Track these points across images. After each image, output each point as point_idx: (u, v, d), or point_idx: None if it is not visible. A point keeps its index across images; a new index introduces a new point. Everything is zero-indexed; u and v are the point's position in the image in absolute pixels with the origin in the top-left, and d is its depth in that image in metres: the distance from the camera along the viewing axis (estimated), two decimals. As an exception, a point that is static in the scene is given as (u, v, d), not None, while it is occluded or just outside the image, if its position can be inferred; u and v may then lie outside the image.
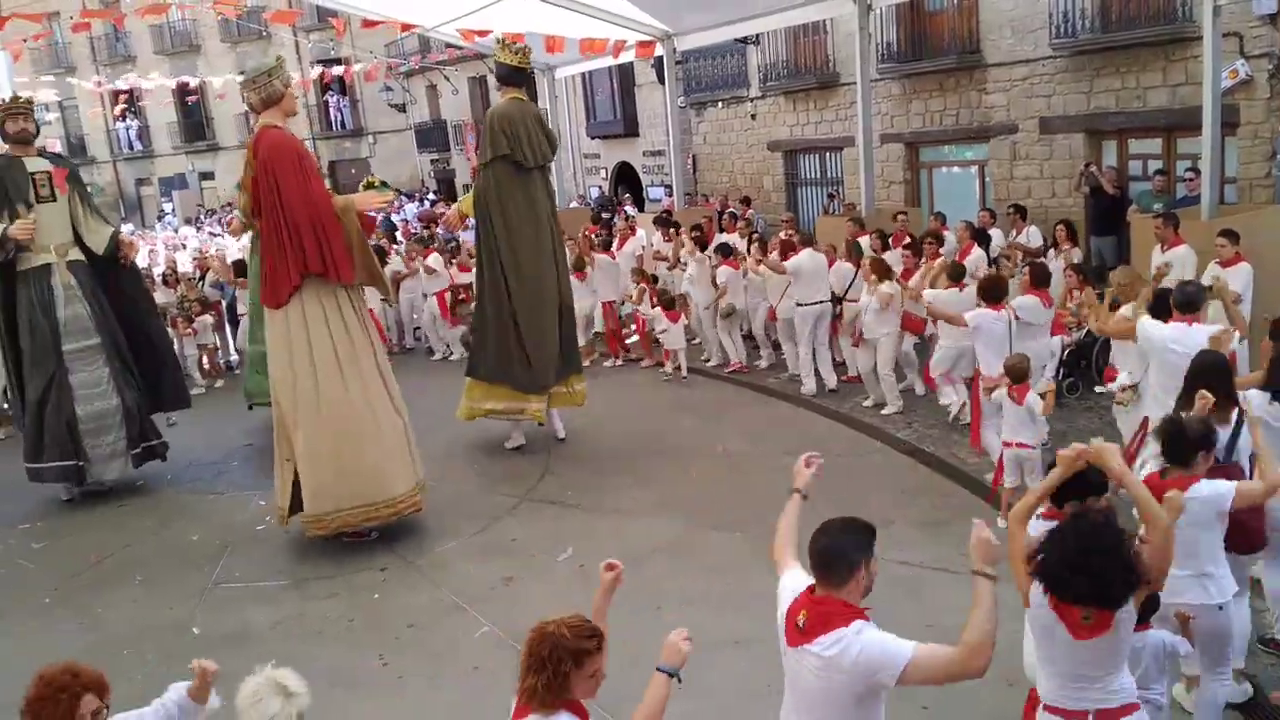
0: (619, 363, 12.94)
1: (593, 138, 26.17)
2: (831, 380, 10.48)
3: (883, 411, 9.62)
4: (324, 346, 7.24)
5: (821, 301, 10.21)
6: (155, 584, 7.30)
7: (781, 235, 11.69)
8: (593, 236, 14.07)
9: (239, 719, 3.02)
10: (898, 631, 3.07)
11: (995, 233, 11.84)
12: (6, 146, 8.82)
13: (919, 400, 9.82)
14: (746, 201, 18.20)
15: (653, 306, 12.04)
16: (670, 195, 19.62)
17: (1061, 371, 9.19)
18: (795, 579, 3.35)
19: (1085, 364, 9.47)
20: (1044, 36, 14.09)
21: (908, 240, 10.33)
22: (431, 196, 28.35)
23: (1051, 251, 10.69)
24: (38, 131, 9.05)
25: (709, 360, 12.21)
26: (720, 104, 21.41)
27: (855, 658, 2.96)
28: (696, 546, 7.12)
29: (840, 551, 3.13)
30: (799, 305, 10.25)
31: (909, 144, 17.01)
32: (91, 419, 8.82)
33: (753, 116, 20.43)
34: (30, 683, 3.07)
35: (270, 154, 7.07)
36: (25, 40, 15.06)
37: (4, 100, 8.97)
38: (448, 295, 13.73)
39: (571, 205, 21.13)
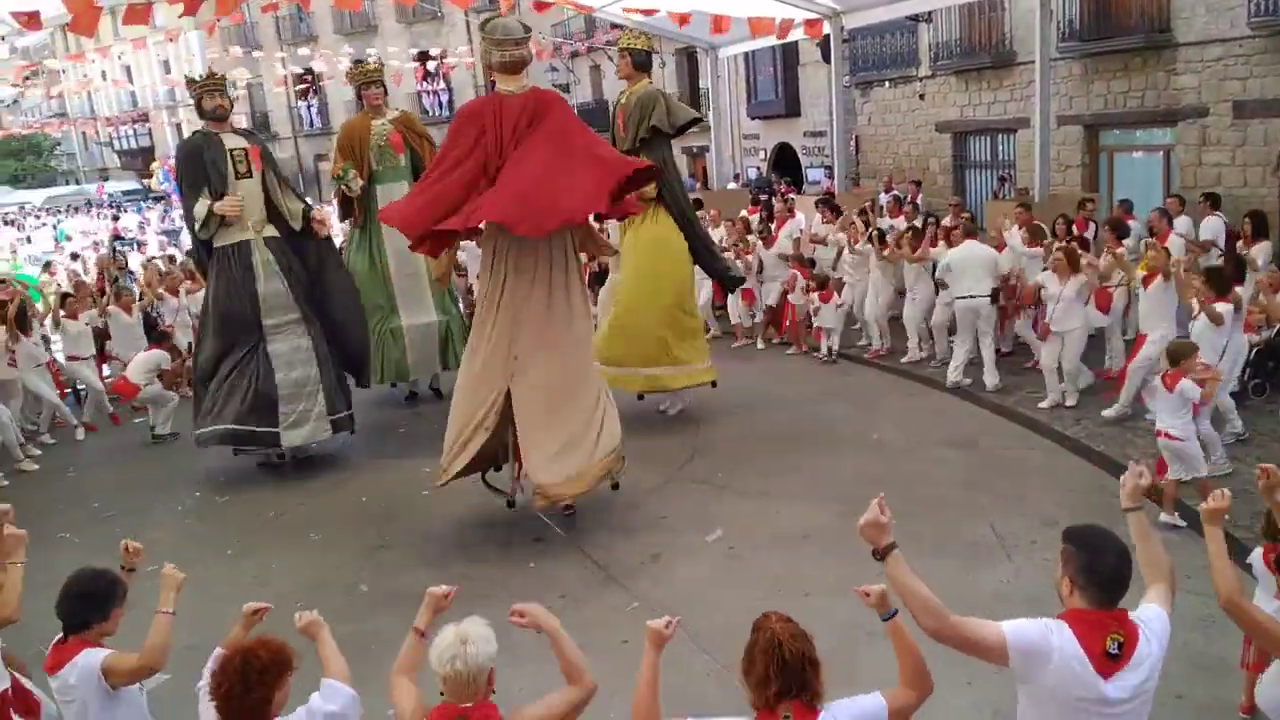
0: (757, 346, 12.88)
1: (753, 118, 25.96)
2: (995, 379, 10.06)
3: (1066, 404, 9.21)
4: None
5: (979, 296, 9.89)
6: (327, 543, 7.74)
7: (946, 220, 11.35)
8: (751, 219, 14.01)
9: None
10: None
11: (1182, 221, 11.15)
12: (203, 123, 9.14)
13: (1089, 396, 9.39)
14: (918, 184, 17.74)
15: (807, 290, 11.91)
16: (830, 177, 19.33)
17: (1248, 372, 8.64)
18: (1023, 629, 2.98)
19: (1275, 365, 8.88)
20: (1241, 15, 13.21)
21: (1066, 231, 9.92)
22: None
23: (1240, 244, 10.02)
24: (231, 108, 9.35)
25: (869, 345, 12.02)
26: (887, 84, 20.91)
27: (1162, 643, 2.96)
28: (847, 535, 6.99)
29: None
30: (957, 299, 9.96)
31: (1088, 127, 16.22)
32: (288, 386, 9.01)
33: (921, 96, 19.86)
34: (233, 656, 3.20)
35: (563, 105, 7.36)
36: (218, 20, 15.92)
37: (201, 77, 9.29)
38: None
39: (729, 186, 21.08)
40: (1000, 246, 10.38)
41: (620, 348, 9.45)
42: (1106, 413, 8.75)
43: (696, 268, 9.91)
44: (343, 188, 10.09)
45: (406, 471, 9.05)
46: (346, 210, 10.52)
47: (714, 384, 9.97)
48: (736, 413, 10.08)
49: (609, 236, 9.46)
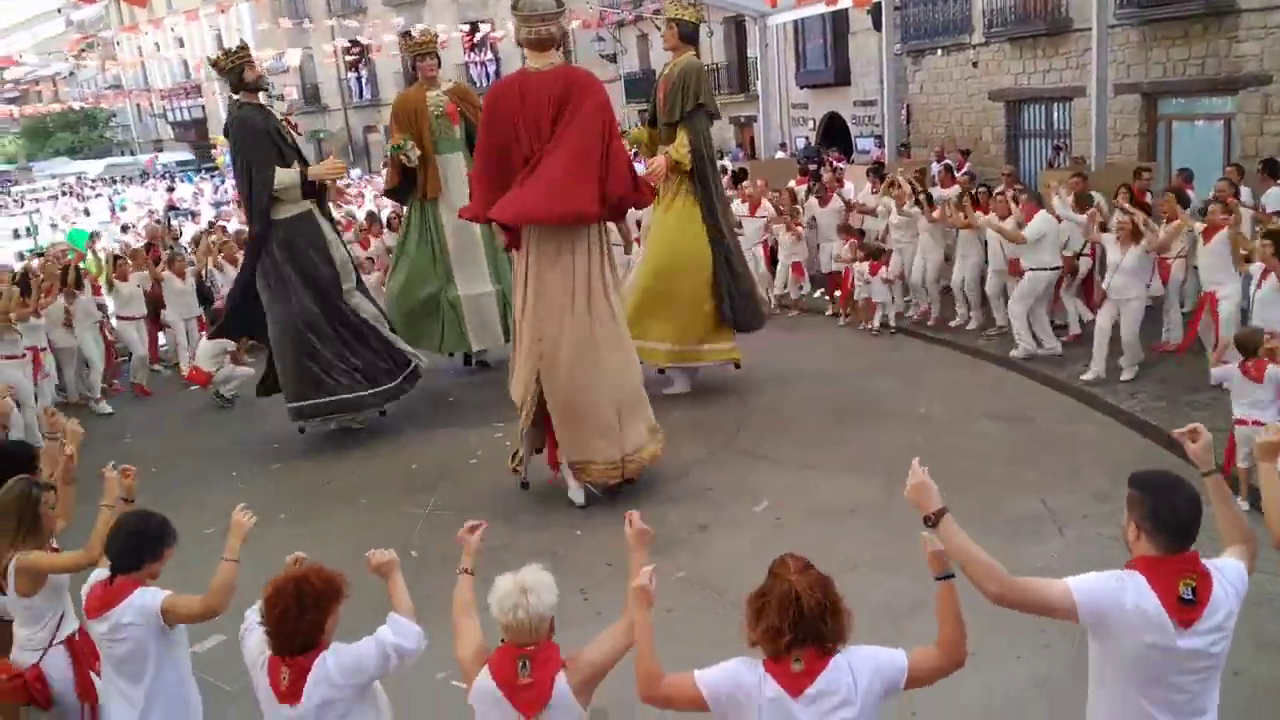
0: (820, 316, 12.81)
1: (802, 87, 25.66)
2: (1055, 345, 9.93)
3: (1122, 378, 9.02)
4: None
5: (1058, 267, 9.79)
6: (378, 508, 7.87)
7: (1006, 192, 11.13)
8: (799, 191, 13.90)
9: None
10: None
11: (1243, 192, 10.84)
12: (240, 94, 8.91)
13: (1145, 369, 9.21)
14: (965, 154, 17.49)
15: (856, 259, 11.78)
16: (880, 147, 19.09)
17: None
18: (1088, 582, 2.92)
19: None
20: (1308, -21, 12.77)
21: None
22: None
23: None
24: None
25: (916, 306, 11.94)
26: (940, 51, 20.53)
27: (1239, 594, 2.92)
28: (894, 509, 6.98)
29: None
30: (1032, 270, 9.78)
31: (1146, 95, 15.82)
32: (380, 342, 9.25)
33: (974, 64, 19.49)
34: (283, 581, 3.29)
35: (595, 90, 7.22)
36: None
37: (230, 50, 9.09)
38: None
39: (776, 156, 20.89)
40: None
41: (646, 321, 9.42)
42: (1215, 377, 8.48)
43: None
44: (401, 158, 10.13)
45: (456, 439, 9.16)
46: (406, 183, 10.53)
47: (737, 365, 9.90)
48: (782, 385, 10.05)
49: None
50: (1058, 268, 9.86)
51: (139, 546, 3.71)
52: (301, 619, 3.19)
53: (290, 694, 3.21)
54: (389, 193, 11.26)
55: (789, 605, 2.78)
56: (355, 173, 32.68)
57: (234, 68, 8.82)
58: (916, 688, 2.96)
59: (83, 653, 4.17)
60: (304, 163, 9.01)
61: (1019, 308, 9.93)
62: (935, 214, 11.03)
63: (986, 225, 10.10)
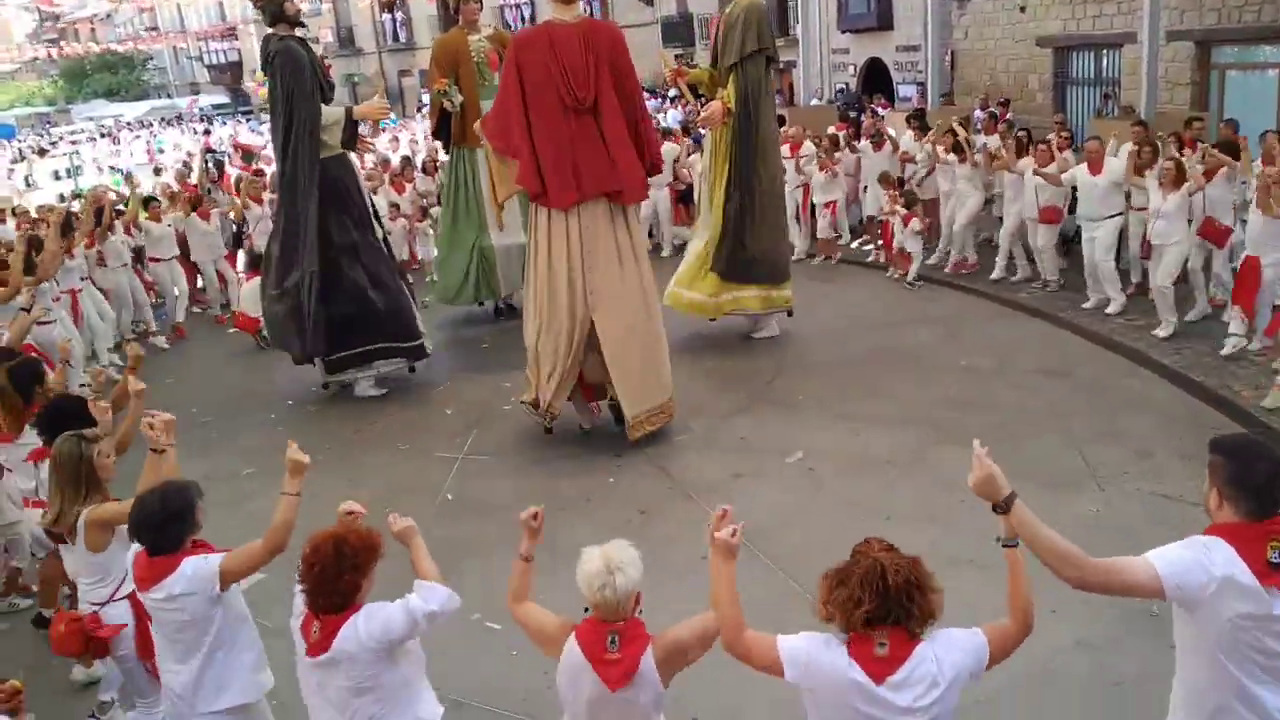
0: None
1: (843, 31, 25.14)
2: (1120, 299, 9.68)
3: (1154, 333, 8.87)
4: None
5: (1118, 214, 9.55)
6: (414, 452, 7.92)
7: (1051, 138, 10.87)
8: (841, 135, 13.67)
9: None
10: None
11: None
12: (278, 26, 8.54)
13: (1194, 324, 9.05)
14: (1005, 104, 17.09)
15: (894, 211, 11.59)
16: (923, 94, 18.71)
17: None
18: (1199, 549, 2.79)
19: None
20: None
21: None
22: (673, 93, 28.20)
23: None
24: None
25: (950, 258, 11.77)
26: (986, -4, 20.01)
27: None
28: (931, 461, 6.94)
29: None
30: (1093, 220, 9.58)
31: (1199, 43, 15.32)
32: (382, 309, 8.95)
33: (1021, 9, 18.97)
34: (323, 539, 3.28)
35: (623, 46, 7.27)
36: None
37: None
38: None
39: (813, 103, 20.54)
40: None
41: (705, 273, 9.46)
42: (1226, 349, 8.25)
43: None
44: (445, 103, 10.01)
45: (489, 385, 9.17)
46: (445, 129, 10.44)
47: (790, 312, 9.87)
48: (819, 335, 9.95)
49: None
50: (1118, 215, 9.59)
51: (170, 528, 3.58)
52: (339, 580, 3.22)
53: (318, 647, 3.26)
54: (437, 135, 11.14)
55: (874, 580, 2.69)
56: (390, 117, 32.55)
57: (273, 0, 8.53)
58: (995, 665, 2.87)
59: (144, 609, 4.01)
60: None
61: (1106, 258, 9.64)
62: (995, 164, 10.73)
63: (1049, 179, 9.83)
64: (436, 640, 3.86)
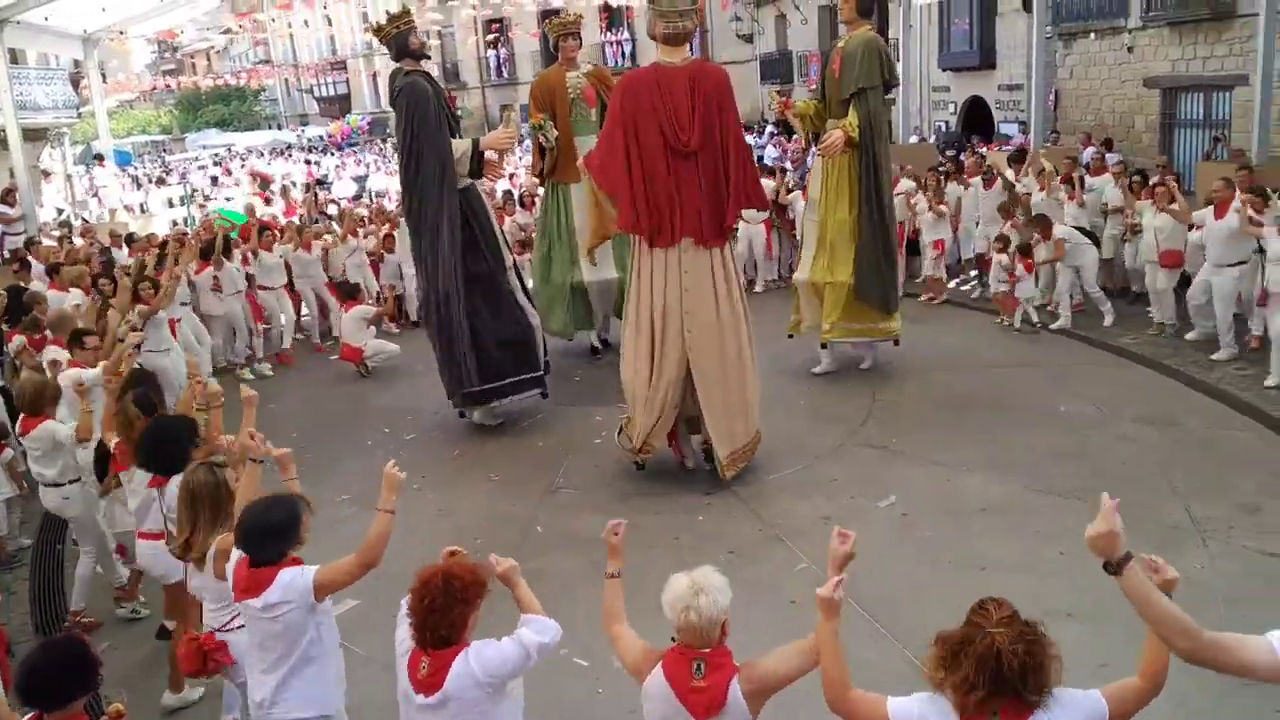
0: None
1: (944, 69, 24.94)
2: (1232, 347, 9.43)
3: (1266, 384, 8.55)
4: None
5: (1242, 263, 9.26)
6: (505, 482, 8.02)
7: (1170, 180, 10.63)
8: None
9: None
10: (1259, 630, 2.74)
11: None
12: (404, 61, 8.61)
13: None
14: (1108, 144, 16.74)
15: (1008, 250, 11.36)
16: (1025, 133, 18.42)
17: None
18: None
19: None
20: None
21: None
22: (771, 129, 28.28)
23: None
24: None
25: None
26: (1092, 35, 19.65)
27: None
28: (1028, 510, 6.79)
29: None
30: (1218, 266, 9.33)
31: (1316, 84, 14.84)
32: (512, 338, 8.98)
33: (1129, 49, 18.60)
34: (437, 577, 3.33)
35: (728, 89, 7.38)
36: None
37: (395, 14, 8.87)
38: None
39: (911, 140, 20.37)
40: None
41: (821, 300, 9.59)
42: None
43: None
44: (539, 138, 10.21)
45: (582, 418, 9.26)
46: (544, 163, 10.58)
47: (896, 342, 9.86)
48: (915, 376, 9.83)
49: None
50: (1246, 261, 9.28)
51: (272, 541, 3.72)
52: (449, 613, 3.27)
53: (428, 685, 3.29)
54: (540, 174, 11.34)
55: (987, 663, 2.58)
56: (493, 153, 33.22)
57: (399, 34, 8.56)
58: None
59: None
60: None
61: (1221, 310, 9.44)
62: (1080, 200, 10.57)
63: (1178, 217, 9.63)
64: (524, 675, 3.91)
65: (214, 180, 28.79)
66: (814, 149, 10.05)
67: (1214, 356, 9.43)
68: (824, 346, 9.88)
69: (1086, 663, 4.66)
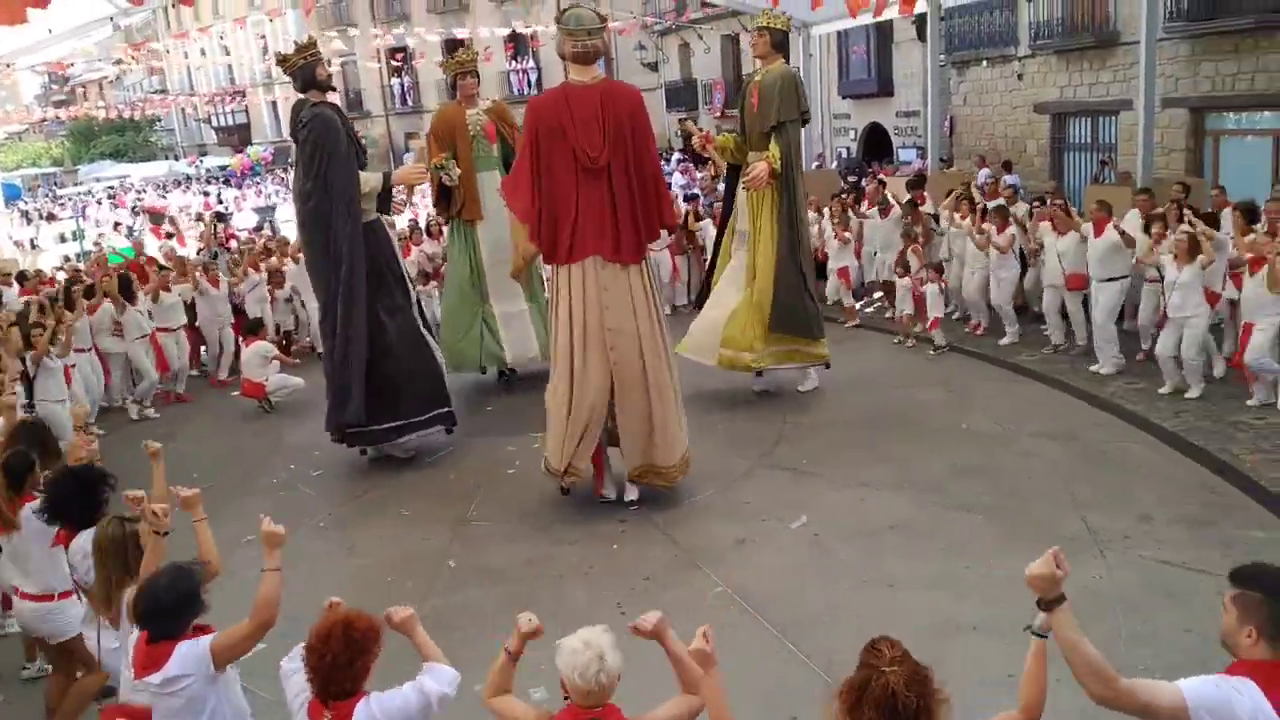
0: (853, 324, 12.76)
1: (844, 97, 25.57)
2: (1117, 361, 9.84)
3: (1188, 395, 8.92)
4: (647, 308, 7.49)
5: (1122, 277, 9.70)
6: (416, 517, 7.88)
7: (1056, 204, 11.06)
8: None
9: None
10: (1155, 637, 2.86)
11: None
12: (308, 94, 8.47)
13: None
14: (1007, 165, 17.32)
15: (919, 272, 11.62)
16: (923, 158, 18.94)
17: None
18: None
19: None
20: (1365, -8, 12.53)
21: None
22: (678, 156, 28.59)
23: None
24: None
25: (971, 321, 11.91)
26: (985, 63, 20.39)
27: None
28: (936, 526, 6.93)
29: None
30: (1100, 281, 9.73)
31: (1194, 110, 15.59)
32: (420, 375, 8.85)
33: (1019, 77, 19.34)
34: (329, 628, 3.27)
35: (641, 109, 7.40)
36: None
37: (300, 44, 8.77)
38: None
39: (814, 166, 20.78)
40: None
41: (753, 329, 9.62)
42: (1251, 401, 8.59)
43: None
44: (443, 177, 10.13)
45: (493, 450, 9.16)
46: (445, 200, 10.53)
47: (827, 365, 10.05)
48: (824, 398, 9.99)
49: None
50: (1127, 276, 9.74)
51: (170, 617, 3.59)
52: (351, 666, 3.23)
53: None
54: (438, 209, 11.26)
55: (883, 705, 2.59)
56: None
57: (305, 65, 8.44)
58: None
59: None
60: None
61: (1102, 322, 9.85)
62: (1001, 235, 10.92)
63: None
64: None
65: (115, 225, 27.88)
66: (723, 179, 10.24)
67: (1095, 369, 9.85)
68: (759, 375, 9.98)
69: (995, 674, 4.77)
